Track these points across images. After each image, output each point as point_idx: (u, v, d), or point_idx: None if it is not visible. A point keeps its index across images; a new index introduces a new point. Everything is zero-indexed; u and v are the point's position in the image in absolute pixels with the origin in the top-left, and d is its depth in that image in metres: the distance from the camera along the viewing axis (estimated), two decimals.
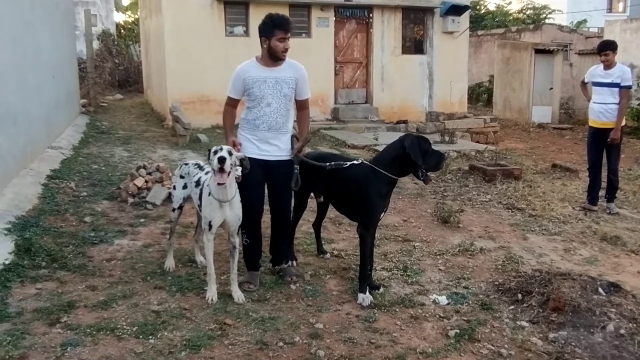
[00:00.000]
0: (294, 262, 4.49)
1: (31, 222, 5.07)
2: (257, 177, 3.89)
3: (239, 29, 11.93)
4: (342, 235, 5.33)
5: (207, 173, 3.96)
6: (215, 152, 3.51)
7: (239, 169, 3.66)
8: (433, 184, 7.59)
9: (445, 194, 7.09)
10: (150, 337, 3.28)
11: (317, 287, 4.10)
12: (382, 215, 3.86)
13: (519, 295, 3.87)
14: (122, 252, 4.70)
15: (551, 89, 16.90)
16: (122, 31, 25.91)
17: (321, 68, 12.60)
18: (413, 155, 3.63)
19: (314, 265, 4.52)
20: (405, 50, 13.45)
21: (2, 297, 3.70)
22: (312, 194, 4.51)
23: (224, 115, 4.14)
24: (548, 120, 16.65)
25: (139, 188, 6.12)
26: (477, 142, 12.21)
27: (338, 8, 12.68)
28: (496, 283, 4.18)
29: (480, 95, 21.92)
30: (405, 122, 12.52)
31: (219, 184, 3.52)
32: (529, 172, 8.58)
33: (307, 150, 4.34)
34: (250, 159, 3.92)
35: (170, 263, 4.33)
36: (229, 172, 3.51)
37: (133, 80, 18.20)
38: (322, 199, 4.41)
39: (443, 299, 3.90)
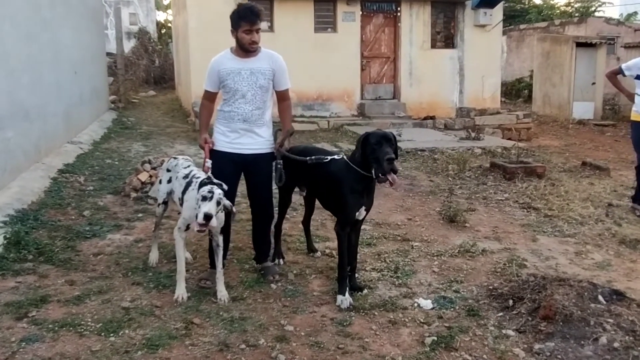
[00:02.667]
0: (281, 260, 4.34)
1: (29, 216, 5.12)
2: (227, 171, 3.74)
3: (264, 25, 11.83)
4: None
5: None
6: (204, 199, 3.36)
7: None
8: (450, 181, 7.31)
9: (459, 191, 6.78)
10: (112, 335, 3.19)
11: (298, 287, 3.93)
12: (359, 213, 3.63)
13: (510, 302, 3.59)
14: (111, 246, 4.67)
15: (593, 83, 16.11)
16: (163, 30, 26.38)
17: (347, 63, 12.42)
18: (357, 151, 3.47)
19: (301, 264, 4.36)
20: (435, 44, 13.08)
21: None
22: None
23: (200, 110, 4.03)
24: (590, 116, 15.89)
25: (142, 183, 6.11)
26: (509, 138, 11.74)
27: (364, 2, 12.44)
28: (490, 287, 3.90)
29: (520, 91, 21.21)
30: (432, 118, 12.16)
31: (198, 231, 3.42)
32: (556, 170, 8.14)
33: (290, 143, 4.15)
34: (223, 152, 3.81)
35: (153, 257, 4.26)
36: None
37: (168, 77, 18.46)
38: (304, 194, 4.25)
39: (427, 303, 3.67)
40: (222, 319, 3.43)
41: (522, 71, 21.71)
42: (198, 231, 3.47)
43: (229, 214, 3.93)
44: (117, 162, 7.63)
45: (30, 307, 3.48)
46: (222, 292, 3.70)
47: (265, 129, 3.93)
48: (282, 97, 3.99)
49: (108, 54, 15.43)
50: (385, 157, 3.30)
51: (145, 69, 17.22)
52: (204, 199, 3.38)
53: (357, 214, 3.59)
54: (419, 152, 9.13)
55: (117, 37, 13.28)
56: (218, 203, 3.41)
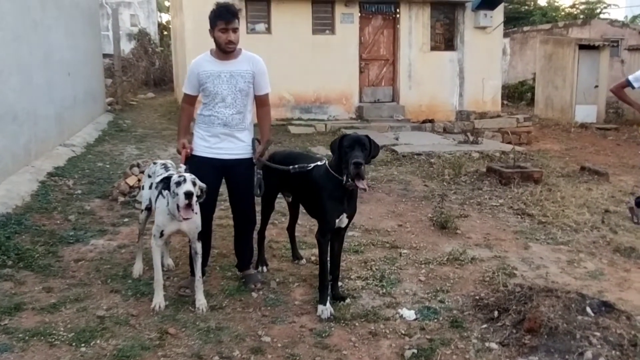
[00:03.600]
0: (264, 268, 4.25)
1: (13, 220, 5.04)
2: (208, 178, 3.64)
3: (261, 26, 11.78)
4: None
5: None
6: (179, 184, 3.29)
7: None
8: (445, 186, 7.21)
9: (454, 197, 6.67)
10: (83, 345, 3.11)
11: (280, 296, 3.84)
12: (340, 220, 3.53)
13: (496, 313, 3.49)
14: (94, 252, 4.59)
15: (596, 86, 15.96)
16: (165, 31, 26.36)
17: (345, 66, 12.33)
18: (335, 156, 3.39)
19: (285, 272, 4.27)
20: (434, 46, 12.97)
21: None
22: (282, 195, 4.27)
23: (180, 114, 3.95)
24: (593, 120, 15.73)
25: (130, 187, 6.03)
26: (509, 142, 11.61)
27: (363, 3, 12.34)
28: (476, 297, 3.79)
29: (523, 94, 21.06)
30: (431, 121, 12.05)
31: (185, 219, 3.33)
32: (553, 175, 8.02)
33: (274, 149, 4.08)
34: (203, 157, 3.72)
35: (137, 269, 4.14)
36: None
37: (168, 79, 18.42)
38: (290, 199, 4.16)
39: (410, 314, 3.56)
40: (198, 328, 3.34)
41: (526, 74, 21.57)
42: (185, 219, 3.37)
43: (208, 220, 3.86)
44: (108, 166, 7.56)
45: (3, 315, 3.40)
46: (201, 301, 3.61)
47: (247, 133, 3.84)
48: (261, 103, 3.89)
49: (107, 55, 15.41)
50: (352, 161, 3.20)
51: (145, 71, 17.19)
52: (178, 184, 3.31)
53: (337, 220, 3.49)
54: (415, 156, 9.02)
55: (115, 39, 13.25)
56: (194, 183, 3.33)
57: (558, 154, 10.90)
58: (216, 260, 4.44)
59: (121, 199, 5.92)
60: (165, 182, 3.45)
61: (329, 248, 3.58)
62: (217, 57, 3.74)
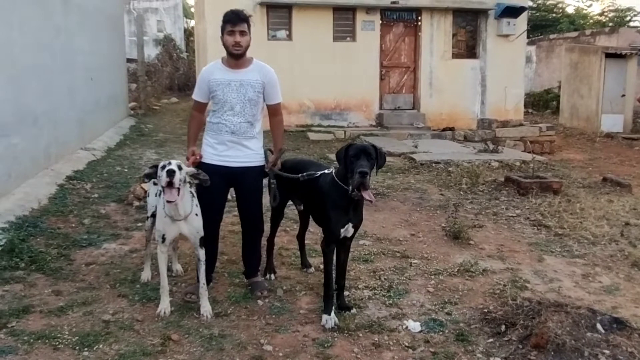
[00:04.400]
0: (272, 275, 4.24)
1: (30, 223, 5.12)
2: (215, 185, 3.66)
3: (282, 33, 11.84)
4: None
5: None
6: (164, 167, 3.32)
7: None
8: (461, 195, 7.12)
9: (470, 206, 6.58)
10: (86, 349, 3.13)
11: (286, 305, 3.82)
12: (346, 230, 3.50)
13: (503, 327, 3.42)
14: (105, 256, 4.64)
15: (623, 95, 15.64)
16: (191, 37, 26.70)
17: (365, 73, 12.31)
18: (340, 165, 3.37)
19: (292, 280, 4.25)
20: (456, 54, 12.87)
21: None
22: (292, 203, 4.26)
23: (189, 121, 3.97)
24: (619, 129, 15.42)
25: (145, 191, 6.06)
26: (531, 152, 11.45)
27: (384, 11, 12.32)
28: (485, 310, 3.72)
29: (548, 102, 20.75)
30: (452, 129, 11.95)
31: (168, 201, 3.33)
32: (574, 185, 7.86)
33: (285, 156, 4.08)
34: (211, 165, 3.73)
35: (146, 275, 4.16)
36: (179, 189, 3.32)
37: (192, 84, 18.60)
38: (302, 207, 4.15)
39: (416, 326, 3.51)
40: (201, 335, 3.34)
41: (551, 82, 21.26)
42: (168, 201, 3.33)
43: (215, 227, 3.86)
44: (126, 170, 7.66)
45: (11, 318, 3.45)
46: (205, 308, 3.61)
47: (255, 141, 3.84)
48: (273, 112, 3.90)
49: (133, 60, 15.66)
50: (357, 170, 3.17)
51: (169, 76, 17.41)
52: (163, 167, 3.31)
53: (342, 230, 3.46)
54: (433, 165, 8.94)
55: (139, 45, 13.45)
56: (179, 167, 3.32)
57: (581, 164, 10.70)
58: (225, 266, 4.45)
59: (136, 203, 5.98)
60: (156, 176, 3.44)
61: (334, 257, 3.55)
62: (228, 66, 3.75)
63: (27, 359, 3.03)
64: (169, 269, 4.33)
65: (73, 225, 5.36)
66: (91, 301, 3.76)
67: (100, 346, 3.17)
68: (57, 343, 3.18)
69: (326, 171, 3.65)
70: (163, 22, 21.11)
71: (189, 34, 27.90)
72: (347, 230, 3.50)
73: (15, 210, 5.32)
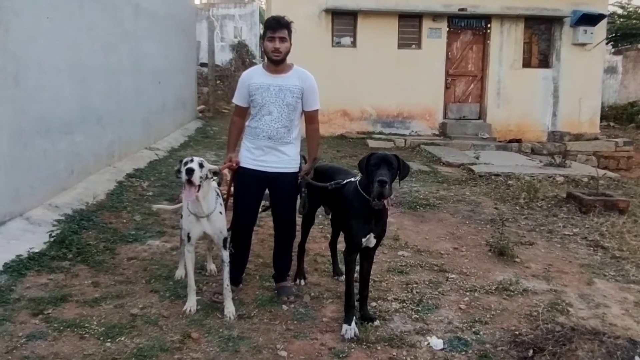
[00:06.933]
0: (302, 281, 4.24)
1: (84, 216, 5.42)
2: (250, 188, 3.71)
3: (346, 40, 11.85)
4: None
5: None
6: (186, 164, 3.40)
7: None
8: (517, 210, 6.82)
9: (524, 222, 6.29)
10: (109, 340, 3.26)
11: (310, 311, 3.80)
12: (368, 240, 3.43)
13: (530, 352, 3.23)
14: (147, 252, 4.81)
15: None
16: None
17: (430, 81, 12.10)
18: (363, 174, 3.31)
19: (322, 287, 4.22)
20: (527, 63, 12.38)
21: (12, 283, 3.95)
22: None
23: (229, 127, 4.05)
24: None
25: None
26: (605, 167, 10.80)
27: (452, 18, 12.06)
28: (515, 332, 3.53)
29: (633, 116, 19.48)
30: (518, 141, 11.49)
31: (188, 197, 3.41)
32: None
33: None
34: (247, 169, 3.79)
35: (180, 273, 4.27)
36: (199, 186, 3.39)
37: None
38: (330, 215, 4.13)
39: (438, 343, 3.38)
40: (220, 335, 3.39)
41: (638, 94, 19.98)
42: (187, 198, 3.40)
43: (248, 231, 3.89)
44: None
45: (49, 305, 3.65)
46: (229, 309, 3.66)
47: (292, 147, 3.86)
48: (310, 120, 3.90)
49: (205, 65, 16.21)
50: (376, 179, 3.10)
51: None
52: (185, 163, 3.39)
53: (364, 240, 3.40)
54: (492, 177, 8.63)
55: (210, 50, 13.91)
56: (201, 165, 3.39)
57: None
58: (259, 269, 4.50)
59: None
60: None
61: (355, 267, 3.50)
62: (268, 70, 3.80)
63: (54, 345, 3.19)
64: (204, 268, 4.45)
65: (124, 221, 5.60)
66: (124, 294, 3.91)
67: (123, 338, 3.28)
68: (84, 332, 3.33)
69: (352, 179, 3.61)
70: (239, 29, 21.75)
71: None
72: (369, 240, 3.44)
73: (73, 204, 5.64)
